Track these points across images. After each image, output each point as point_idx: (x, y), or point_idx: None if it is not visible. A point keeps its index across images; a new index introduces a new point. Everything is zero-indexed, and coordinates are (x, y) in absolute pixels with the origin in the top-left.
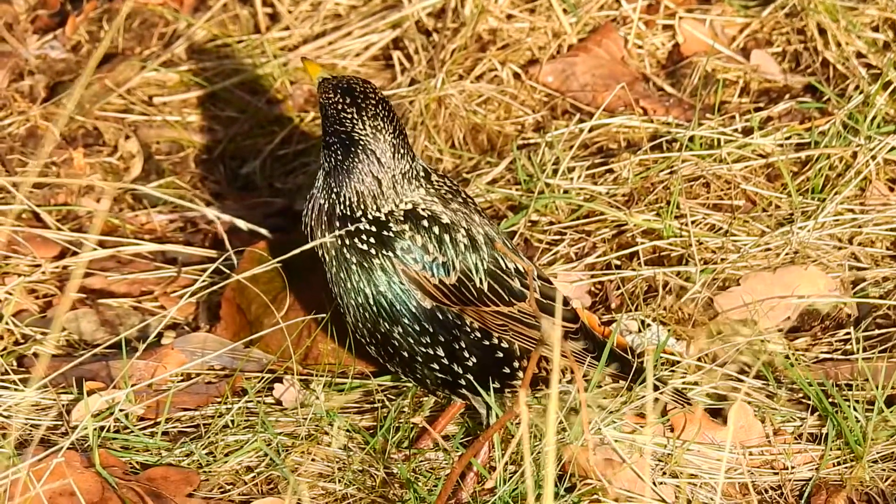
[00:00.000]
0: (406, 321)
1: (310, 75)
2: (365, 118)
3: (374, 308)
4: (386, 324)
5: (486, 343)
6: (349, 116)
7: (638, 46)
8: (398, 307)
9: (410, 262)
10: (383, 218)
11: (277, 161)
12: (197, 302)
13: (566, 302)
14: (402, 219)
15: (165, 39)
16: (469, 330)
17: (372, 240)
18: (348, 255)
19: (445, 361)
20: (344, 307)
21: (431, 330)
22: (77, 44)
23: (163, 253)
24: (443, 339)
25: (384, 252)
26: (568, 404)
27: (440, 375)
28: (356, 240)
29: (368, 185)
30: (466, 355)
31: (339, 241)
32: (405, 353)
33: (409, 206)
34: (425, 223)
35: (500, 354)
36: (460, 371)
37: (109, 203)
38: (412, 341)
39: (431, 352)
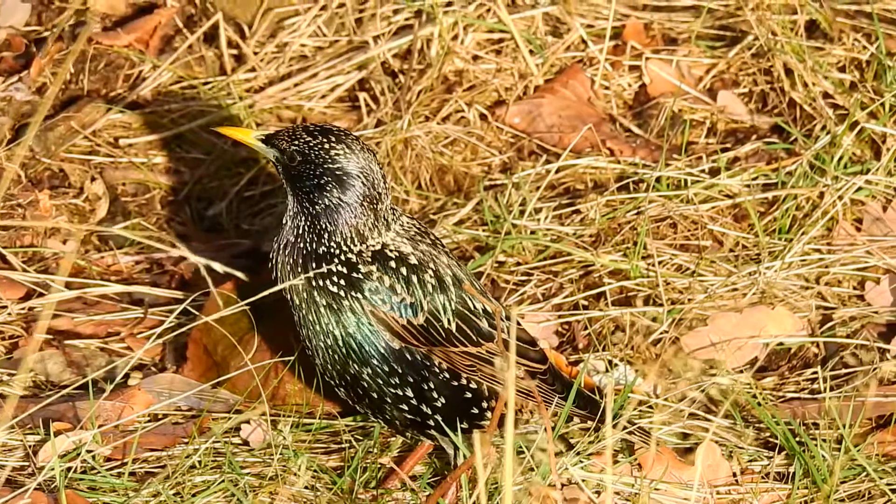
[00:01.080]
0: (375, 362)
1: (242, 139)
2: (357, 153)
3: (344, 349)
4: (355, 365)
5: (455, 383)
6: (340, 153)
7: (605, 87)
8: (367, 348)
9: (378, 303)
10: (354, 259)
11: (244, 202)
12: (164, 343)
13: (534, 343)
14: (369, 260)
15: (131, 81)
16: (437, 370)
17: (342, 281)
18: (318, 298)
19: (414, 402)
20: (312, 349)
21: (400, 371)
22: (42, 85)
23: (129, 294)
24: (411, 380)
25: (353, 293)
26: (535, 444)
27: (409, 416)
28: (328, 282)
29: (353, 223)
30: (435, 395)
31: (310, 284)
32: (374, 395)
33: (378, 247)
34: (393, 264)
35: (469, 395)
36: (429, 412)
37: (77, 245)
38: (381, 382)
39: (400, 392)
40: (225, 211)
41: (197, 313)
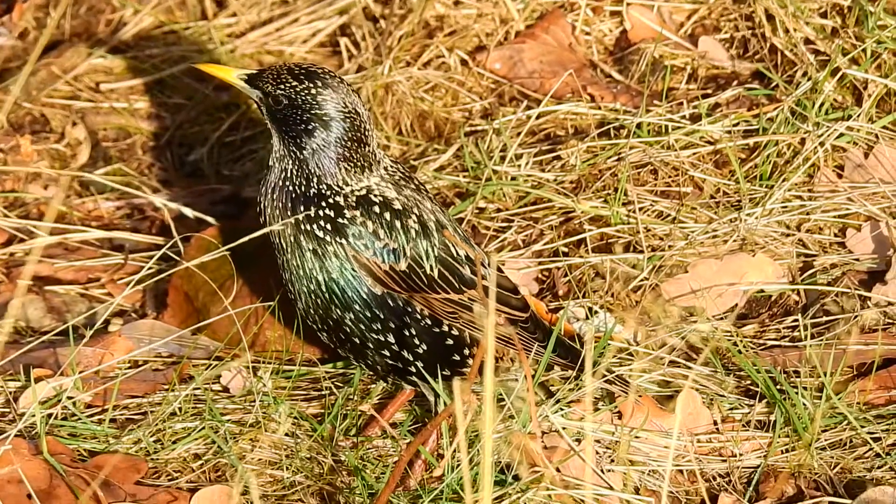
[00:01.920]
0: (357, 307)
1: (223, 77)
2: (343, 96)
3: (326, 295)
4: (338, 310)
5: (437, 330)
6: (327, 98)
7: (585, 33)
8: (349, 294)
9: (361, 249)
10: (341, 202)
11: (225, 148)
12: (144, 289)
13: (516, 290)
14: (353, 204)
15: (112, 26)
16: (419, 317)
17: (328, 226)
18: (304, 242)
19: (395, 348)
20: (295, 293)
21: (382, 316)
22: (24, 30)
23: (110, 240)
24: (393, 326)
25: (337, 239)
26: (515, 392)
27: (391, 362)
28: (314, 226)
29: (340, 166)
30: (416, 342)
31: (297, 228)
32: (356, 340)
33: (363, 192)
34: (377, 209)
35: (451, 342)
36: (410, 358)
37: (61, 192)
38: (363, 328)
39: (382, 338)
40: (206, 156)
41: (178, 259)
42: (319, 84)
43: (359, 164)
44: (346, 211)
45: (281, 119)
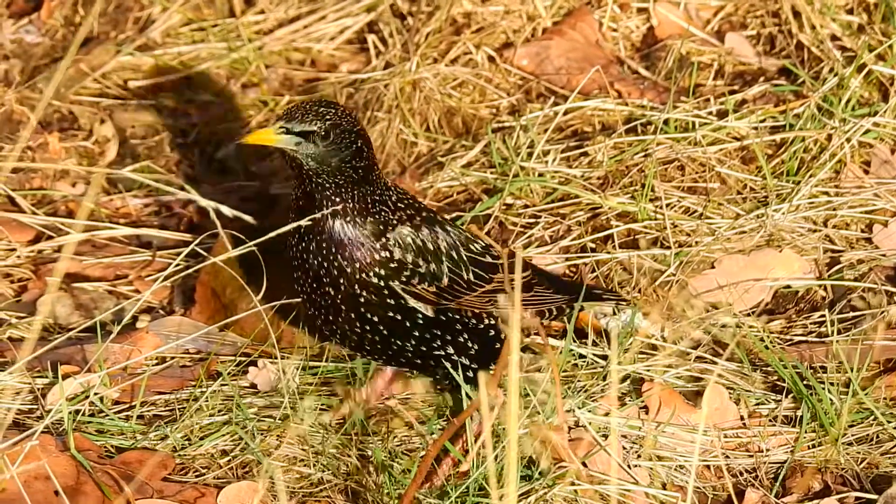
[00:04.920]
0: (416, 334)
1: (269, 143)
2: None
3: (385, 331)
4: (398, 341)
5: (481, 326)
6: (353, 114)
7: (612, 30)
8: (408, 324)
9: (411, 281)
10: (394, 218)
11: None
12: (172, 285)
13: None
14: (394, 242)
15: (140, 23)
16: (467, 319)
17: (382, 271)
18: (358, 290)
19: (455, 357)
20: (342, 333)
21: (439, 333)
22: (52, 28)
23: (138, 237)
24: (450, 338)
25: (391, 281)
26: (542, 386)
27: (451, 371)
28: (370, 273)
29: (382, 178)
30: (470, 344)
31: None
32: (418, 361)
33: (395, 228)
34: (409, 240)
35: (492, 333)
36: (467, 362)
37: (92, 190)
38: (424, 348)
39: (442, 352)
40: (234, 153)
41: (206, 255)
42: (340, 106)
43: (389, 201)
44: (392, 249)
45: (332, 150)
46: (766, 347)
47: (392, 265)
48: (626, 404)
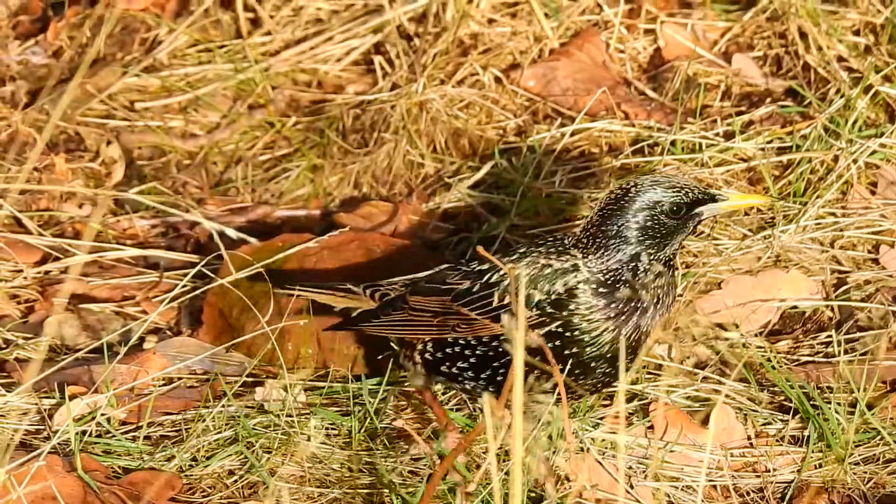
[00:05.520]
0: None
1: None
2: None
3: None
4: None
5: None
6: None
7: (619, 51)
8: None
9: None
10: None
11: (259, 166)
12: (179, 306)
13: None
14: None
15: (147, 45)
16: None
17: None
18: None
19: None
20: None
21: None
22: (59, 49)
23: (145, 258)
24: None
25: None
26: (548, 406)
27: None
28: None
29: None
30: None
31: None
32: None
33: None
34: None
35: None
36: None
37: (99, 211)
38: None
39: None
40: (240, 175)
41: (213, 276)
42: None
43: None
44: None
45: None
46: (773, 367)
47: None
48: (632, 424)
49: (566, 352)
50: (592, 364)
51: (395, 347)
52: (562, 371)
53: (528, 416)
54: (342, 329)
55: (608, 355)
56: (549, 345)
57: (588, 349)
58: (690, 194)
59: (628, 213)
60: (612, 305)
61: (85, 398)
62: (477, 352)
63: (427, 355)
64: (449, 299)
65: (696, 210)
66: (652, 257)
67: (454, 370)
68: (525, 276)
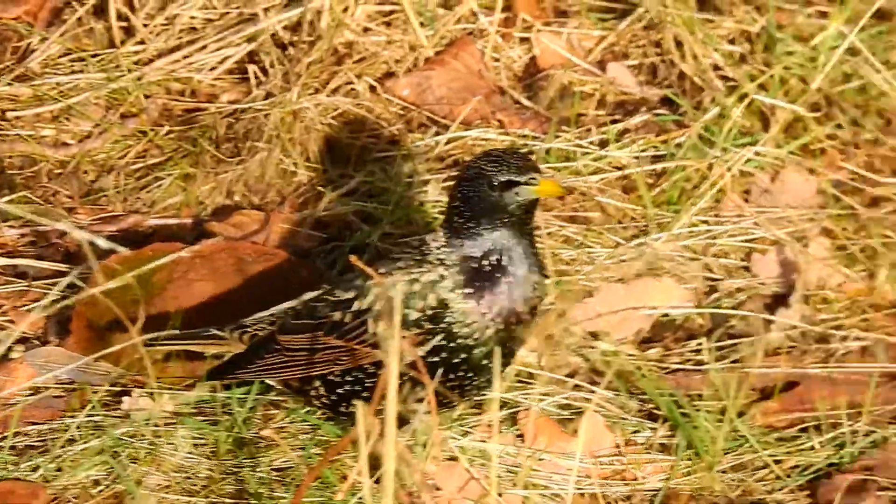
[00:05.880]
0: None
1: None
2: None
3: None
4: None
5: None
6: None
7: (495, 59)
8: None
9: None
10: None
11: (131, 175)
12: (47, 316)
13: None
14: None
15: (19, 54)
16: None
17: None
18: None
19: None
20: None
21: None
22: None
23: (14, 267)
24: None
25: None
26: (417, 416)
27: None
28: None
29: None
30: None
31: None
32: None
33: None
34: None
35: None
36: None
37: None
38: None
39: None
40: (112, 184)
41: (83, 286)
42: None
43: None
44: None
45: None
46: (643, 376)
47: None
48: (501, 432)
49: (456, 360)
50: (483, 362)
51: (286, 390)
52: (454, 377)
53: (401, 426)
54: (218, 380)
55: (495, 347)
56: (437, 358)
57: (476, 351)
58: (507, 172)
59: (461, 191)
60: (484, 301)
61: None
62: (366, 384)
63: (324, 400)
64: (322, 334)
65: (514, 189)
66: (500, 235)
67: (353, 409)
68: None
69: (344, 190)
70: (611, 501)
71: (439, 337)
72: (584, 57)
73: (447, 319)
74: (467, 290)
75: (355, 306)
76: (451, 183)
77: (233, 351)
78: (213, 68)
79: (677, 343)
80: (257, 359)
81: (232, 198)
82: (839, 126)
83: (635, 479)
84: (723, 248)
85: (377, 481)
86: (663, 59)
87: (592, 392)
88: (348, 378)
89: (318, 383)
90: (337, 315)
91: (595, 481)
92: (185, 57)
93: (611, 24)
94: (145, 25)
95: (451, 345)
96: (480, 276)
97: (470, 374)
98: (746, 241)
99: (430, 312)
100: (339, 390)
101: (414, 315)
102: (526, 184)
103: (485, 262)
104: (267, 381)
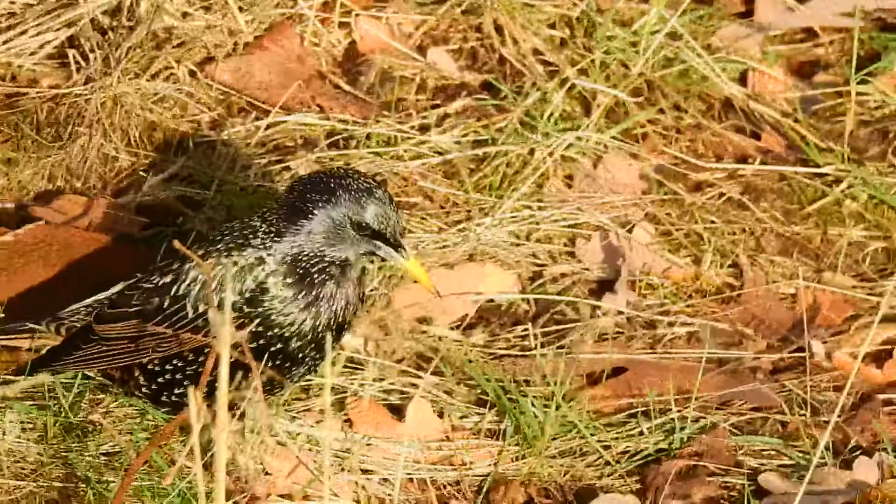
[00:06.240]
0: None
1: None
2: None
3: None
4: None
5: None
6: None
7: (315, 44)
8: None
9: None
10: None
11: None
12: None
13: None
14: None
15: None
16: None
17: None
18: None
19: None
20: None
21: None
22: None
23: None
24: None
25: None
26: (246, 401)
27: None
28: None
29: None
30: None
31: None
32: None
33: None
34: None
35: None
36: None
37: None
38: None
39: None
40: None
41: None
42: None
43: None
44: None
45: None
46: (470, 361)
47: None
48: (329, 418)
49: (273, 348)
50: (300, 354)
51: (108, 382)
52: (273, 367)
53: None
54: (38, 373)
55: (313, 344)
56: (254, 344)
57: (292, 342)
58: (385, 225)
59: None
60: (304, 294)
61: None
62: (188, 372)
63: (144, 389)
64: (140, 321)
65: (378, 243)
66: (335, 250)
67: (174, 398)
68: (216, 278)
69: (166, 175)
70: (439, 486)
71: (256, 322)
72: (404, 42)
73: (264, 304)
74: (288, 280)
75: (174, 291)
76: (295, 177)
77: (50, 343)
78: (33, 53)
79: (503, 328)
80: (75, 350)
81: (54, 182)
82: (661, 111)
83: (464, 465)
84: (546, 233)
85: (206, 466)
86: (483, 43)
87: (419, 377)
88: (168, 367)
89: (137, 372)
90: (155, 300)
91: (424, 466)
92: (5, 42)
93: (430, 9)
94: None
95: (269, 333)
96: (304, 268)
97: (287, 364)
98: (570, 226)
99: (248, 295)
100: (160, 379)
101: (231, 298)
102: (397, 251)
103: (311, 257)
104: (86, 372)
